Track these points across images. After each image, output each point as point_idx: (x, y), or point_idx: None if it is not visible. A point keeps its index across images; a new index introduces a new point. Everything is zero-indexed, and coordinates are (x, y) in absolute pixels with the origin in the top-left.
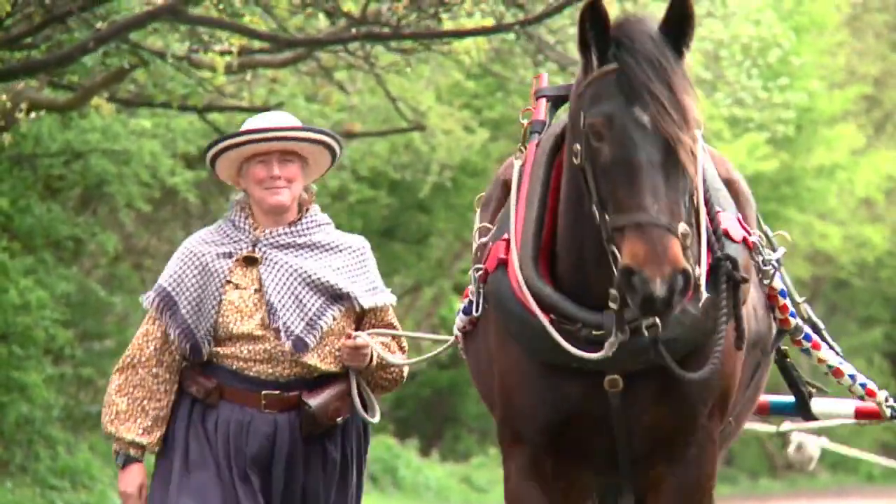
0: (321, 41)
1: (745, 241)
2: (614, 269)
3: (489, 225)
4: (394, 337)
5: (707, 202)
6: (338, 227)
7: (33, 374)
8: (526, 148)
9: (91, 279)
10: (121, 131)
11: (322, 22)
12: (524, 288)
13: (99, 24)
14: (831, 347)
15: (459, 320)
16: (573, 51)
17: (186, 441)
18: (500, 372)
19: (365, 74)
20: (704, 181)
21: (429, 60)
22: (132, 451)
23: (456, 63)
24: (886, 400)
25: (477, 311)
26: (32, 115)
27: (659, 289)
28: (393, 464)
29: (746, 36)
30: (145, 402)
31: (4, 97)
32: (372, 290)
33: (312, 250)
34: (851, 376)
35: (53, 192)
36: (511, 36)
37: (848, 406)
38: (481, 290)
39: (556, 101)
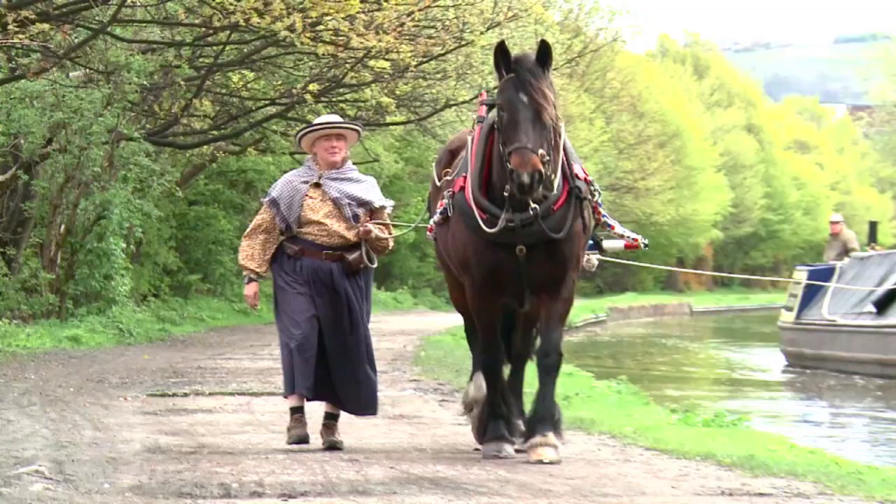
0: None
1: (585, 179)
2: (508, 171)
3: (449, 169)
4: (385, 225)
5: (567, 157)
6: None
7: (226, 258)
8: (475, 129)
9: (247, 220)
10: (261, 162)
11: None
12: (472, 200)
13: (251, 122)
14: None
15: (438, 216)
16: (439, 133)
17: (287, 276)
18: (462, 244)
19: None
20: (567, 147)
21: (379, 133)
22: (252, 275)
23: (391, 134)
24: (641, 240)
25: (450, 212)
26: (223, 154)
27: (525, 178)
28: None
29: None
30: (260, 251)
31: (213, 150)
32: (380, 198)
33: (349, 181)
34: (628, 236)
35: (233, 185)
36: (412, 124)
37: (621, 243)
38: (451, 201)
39: (490, 107)
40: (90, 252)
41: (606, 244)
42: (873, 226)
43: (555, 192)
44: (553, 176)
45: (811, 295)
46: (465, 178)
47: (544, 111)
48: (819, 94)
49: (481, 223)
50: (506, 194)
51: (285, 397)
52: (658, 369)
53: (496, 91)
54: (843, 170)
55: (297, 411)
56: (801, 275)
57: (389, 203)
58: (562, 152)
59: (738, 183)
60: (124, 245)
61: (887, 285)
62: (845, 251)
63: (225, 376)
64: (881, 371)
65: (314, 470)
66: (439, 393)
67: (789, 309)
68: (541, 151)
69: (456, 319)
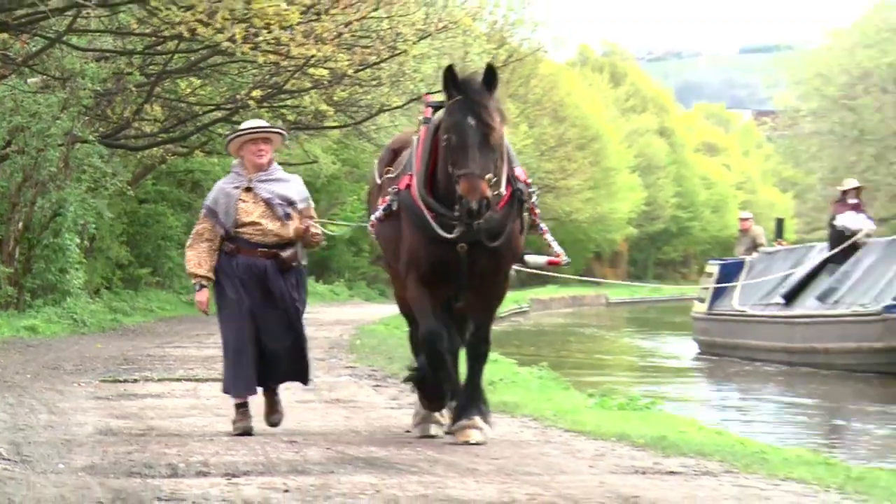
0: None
1: (525, 181)
2: (458, 196)
3: (390, 168)
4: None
5: (510, 162)
6: None
7: (174, 252)
8: (420, 130)
9: (194, 218)
10: (207, 163)
11: (280, 122)
12: (418, 198)
13: (198, 125)
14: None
15: (380, 212)
16: (374, 136)
17: (223, 274)
18: (406, 239)
19: (294, 142)
20: (509, 152)
21: (317, 136)
22: (203, 282)
23: (328, 137)
24: (564, 257)
25: (394, 208)
26: (171, 156)
27: (474, 206)
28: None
29: None
30: (206, 257)
31: (163, 152)
32: (306, 198)
33: (277, 182)
34: (555, 248)
35: (181, 185)
36: (348, 128)
37: (544, 259)
38: (396, 199)
39: (436, 108)
40: (46, 247)
41: (529, 259)
42: (780, 223)
43: (500, 190)
44: (500, 193)
45: (722, 287)
46: (411, 176)
47: (492, 133)
48: (726, 101)
49: (430, 221)
50: (457, 213)
51: (225, 392)
52: (576, 356)
53: (444, 112)
54: (749, 171)
55: (241, 406)
56: (713, 268)
57: (310, 200)
58: (506, 161)
59: (651, 183)
60: (78, 241)
61: (793, 278)
62: (754, 246)
63: (172, 363)
64: (787, 358)
65: (256, 451)
66: (373, 379)
67: (702, 300)
68: (488, 176)
69: (389, 310)
